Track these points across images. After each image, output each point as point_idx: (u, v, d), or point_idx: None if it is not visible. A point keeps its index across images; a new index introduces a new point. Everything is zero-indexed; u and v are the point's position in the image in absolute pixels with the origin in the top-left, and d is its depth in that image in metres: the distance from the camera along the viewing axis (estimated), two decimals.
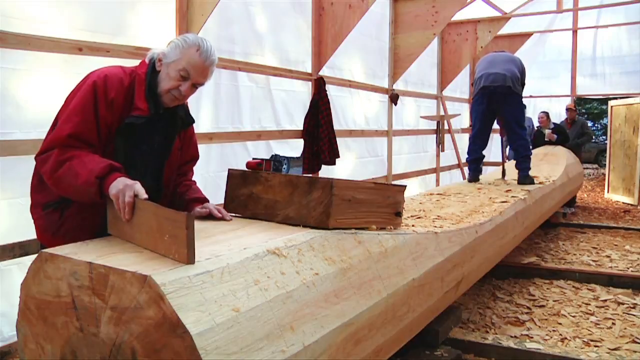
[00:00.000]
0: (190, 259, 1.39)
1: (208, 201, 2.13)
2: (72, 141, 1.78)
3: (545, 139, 8.01)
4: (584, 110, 22.08)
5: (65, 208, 1.90)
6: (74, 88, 1.93)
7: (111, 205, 1.72)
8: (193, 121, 2.18)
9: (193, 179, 2.28)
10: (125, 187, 1.63)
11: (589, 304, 3.84)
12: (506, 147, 5.98)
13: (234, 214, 2.18)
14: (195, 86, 1.97)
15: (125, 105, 1.90)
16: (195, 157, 2.26)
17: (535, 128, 8.34)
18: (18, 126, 3.13)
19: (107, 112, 1.85)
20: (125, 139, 1.91)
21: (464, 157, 6.98)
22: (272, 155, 5.13)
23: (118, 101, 1.87)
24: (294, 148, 5.57)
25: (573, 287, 4.26)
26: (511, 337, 3.19)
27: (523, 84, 5.23)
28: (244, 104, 4.87)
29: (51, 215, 1.92)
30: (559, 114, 9.06)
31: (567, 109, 8.68)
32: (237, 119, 4.80)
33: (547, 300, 3.93)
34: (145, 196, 1.63)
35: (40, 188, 1.94)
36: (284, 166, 5.05)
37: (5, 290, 3.05)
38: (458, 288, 2.96)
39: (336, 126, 5.85)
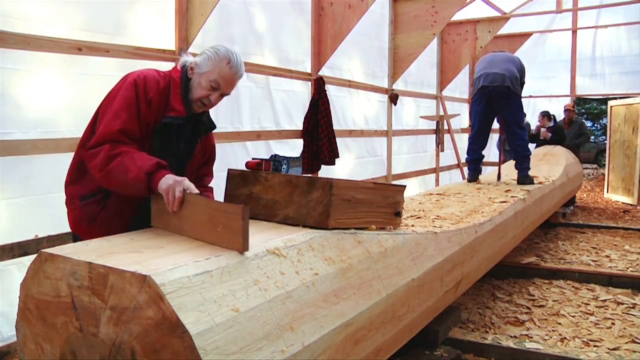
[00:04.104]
0: (245, 247, 1.53)
1: None
2: (121, 136, 1.89)
3: (540, 137, 8.05)
4: (583, 110, 22.09)
5: (103, 199, 2.02)
6: (112, 89, 2.03)
7: (156, 199, 1.85)
8: (215, 127, 2.30)
9: (210, 185, 2.35)
10: (175, 183, 1.76)
11: (589, 304, 3.84)
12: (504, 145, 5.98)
13: None
14: (222, 95, 2.10)
15: (161, 106, 2.01)
16: (211, 159, 2.36)
17: (536, 127, 8.36)
18: (17, 126, 3.12)
19: (147, 110, 1.97)
20: (160, 139, 2.02)
21: (463, 157, 6.98)
22: (272, 155, 5.13)
23: (155, 101, 1.99)
24: (294, 148, 5.57)
25: (572, 287, 4.26)
26: (511, 337, 3.19)
27: (522, 84, 5.23)
28: (244, 104, 4.87)
29: (89, 206, 2.03)
30: (558, 114, 9.07)
31: (566, 110, 8.68)
32: (237, 119, 4.81)
33: (547, 300, 3.93)
34: (197, 191, 1.77)
35: (78, 180, 2.07)
36: (284, 166, 5.05)
37: (4, 290, 3.05)
38: (458, 288, 2.96)
39: (336, 126, 5.85)
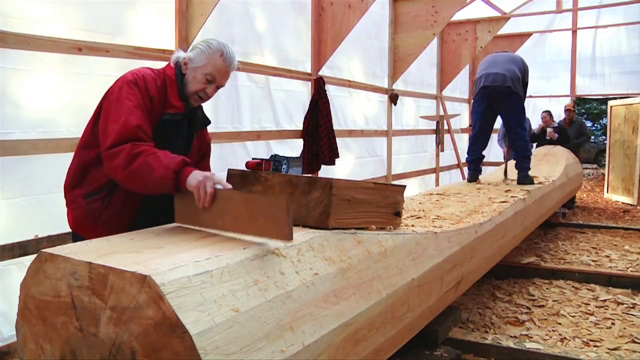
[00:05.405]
0: (290, 237, 1.60)
1: None
2: (140, 132, 1.89)
3: (547, 137, 8.04)
4: (583, 111, 22.09)
5: (107, 196, 2.02)
6: (111, 89, 2.02)
7: (180, 197, 1.85)
8: (209, 122, 2.33)
9: None
10: (206, 179, 1.74)
11: (589, 304, 3.84)
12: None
13: None
14: (217, 87, 2.14)
15: (160, 103, 2.04)
16: (207, 154, 2.40)
17: (539, 126, 8.35)
18: (17, 126, 3.12)
19: (151, 107, 2.00)
20: (159, 136, 2.03)
21: (463, 157, 6.98)
22: (272, 155, 5.12)
23: (156, 98, 2.02)
24: (294, 148, 5.57)
25: (572, 287, 4.26)
26: (511, 337, 3.19)
27: (525, 83, 5.22)
28: (244, 104, 4.87)
29: (93, 204, 2.04)
30: (558, 114, 9.08)
31: (566, 110, 8.68)
32: (237, 119, 4.81)
33: (547, 300, 3.93)
34: (230, 186, 1.79)
35: (79, 181, 2.07)
36: (284, 166, 5.04)
37: (4, 290, 3.05)
38: (457, 288, 2.95)
39: (336, 126, 5.85)
